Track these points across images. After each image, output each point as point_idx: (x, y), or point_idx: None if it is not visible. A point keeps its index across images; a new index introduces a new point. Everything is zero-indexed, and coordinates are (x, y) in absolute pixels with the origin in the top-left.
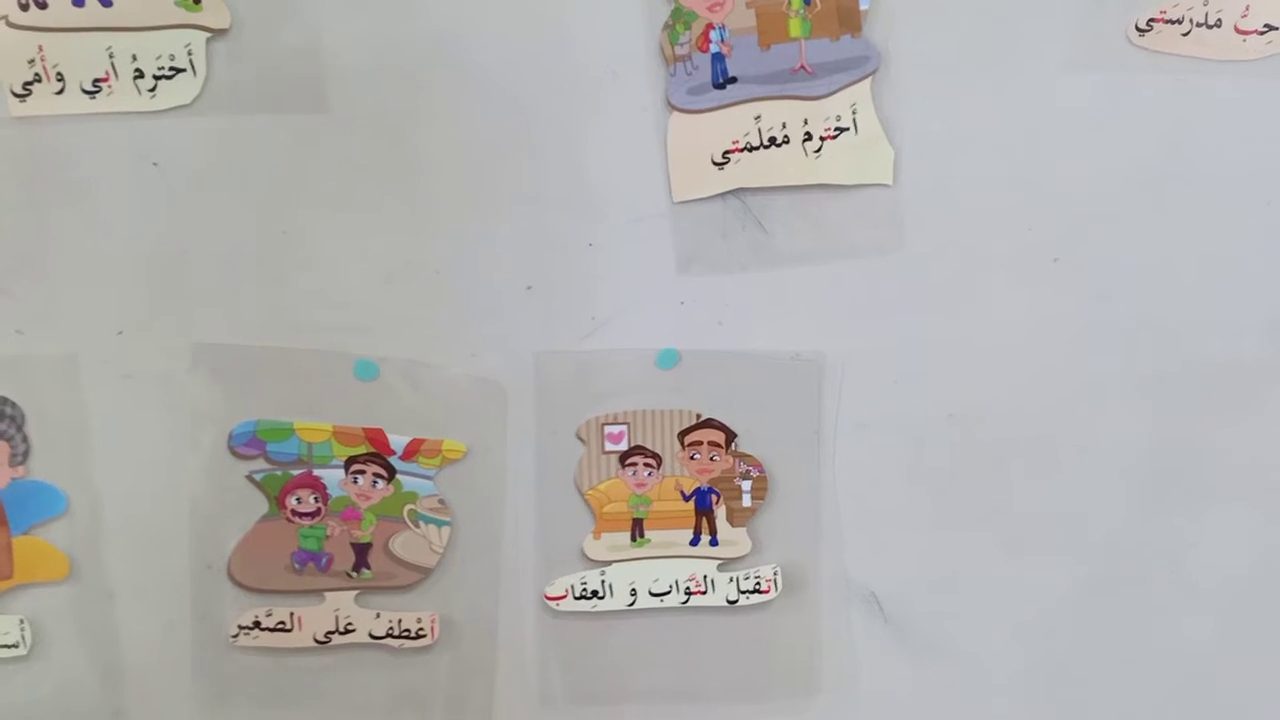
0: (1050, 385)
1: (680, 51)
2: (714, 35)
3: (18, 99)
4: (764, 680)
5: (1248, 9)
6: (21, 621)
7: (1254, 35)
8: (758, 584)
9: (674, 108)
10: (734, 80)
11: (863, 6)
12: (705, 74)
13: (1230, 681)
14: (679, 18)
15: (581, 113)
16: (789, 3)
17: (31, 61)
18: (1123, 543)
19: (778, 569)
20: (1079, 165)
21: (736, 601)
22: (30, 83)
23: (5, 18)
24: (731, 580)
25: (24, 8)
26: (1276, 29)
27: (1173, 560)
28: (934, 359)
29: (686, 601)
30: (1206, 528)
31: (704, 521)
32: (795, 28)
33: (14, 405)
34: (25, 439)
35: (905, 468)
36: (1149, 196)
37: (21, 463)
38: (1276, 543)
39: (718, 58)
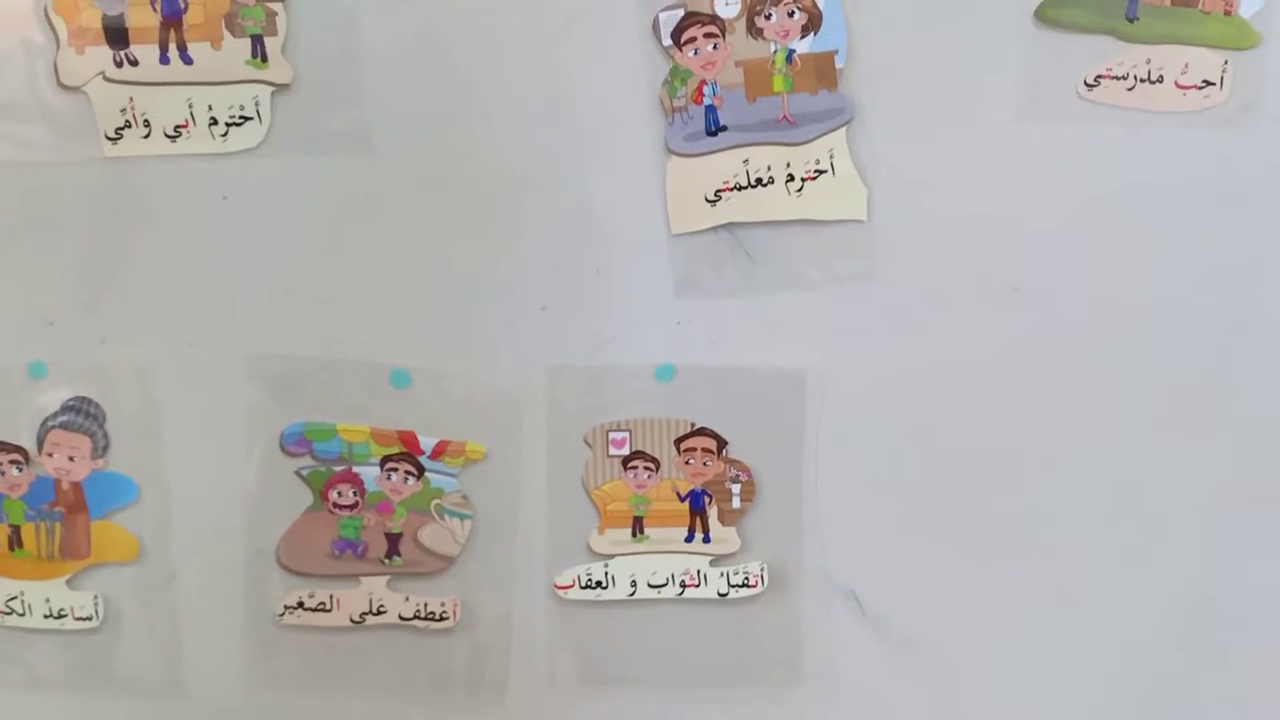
0: (1011, 401)
1: (677, 104)
2: (707, 90)
3: (111, 142)
4: (751, 668)
5: (1186, 66)
6: (95, 597)
7: (1193, 90)
8: (746, 579)
9: (672, 152)
10: (725, 129)
11: (838, 65)
12: (699, 123)
13: (1190, 678)
14: (676, 75)
15: (592, 156)
16: (773, 61)
17: (123, 110)
18: (1084, 548)
19: (764, 565)
20: (1035, 204)
21: (726, 595)
22: (121, 128)
23: (102, 73)
24: (722, 575)
25: (119, 65)
26: (1214, 84)
27: (1133, 565)
28: (905, 377)
29: (681, 593)
30: (1163, 535)
31: (697, 520)
32: (778, 83)
33: (97, 405)
34: (105, 435)
35: (881, 475)
36: (1100, 232)
37: (101, 456)
38: (1229, 551)
39: (710, 109)
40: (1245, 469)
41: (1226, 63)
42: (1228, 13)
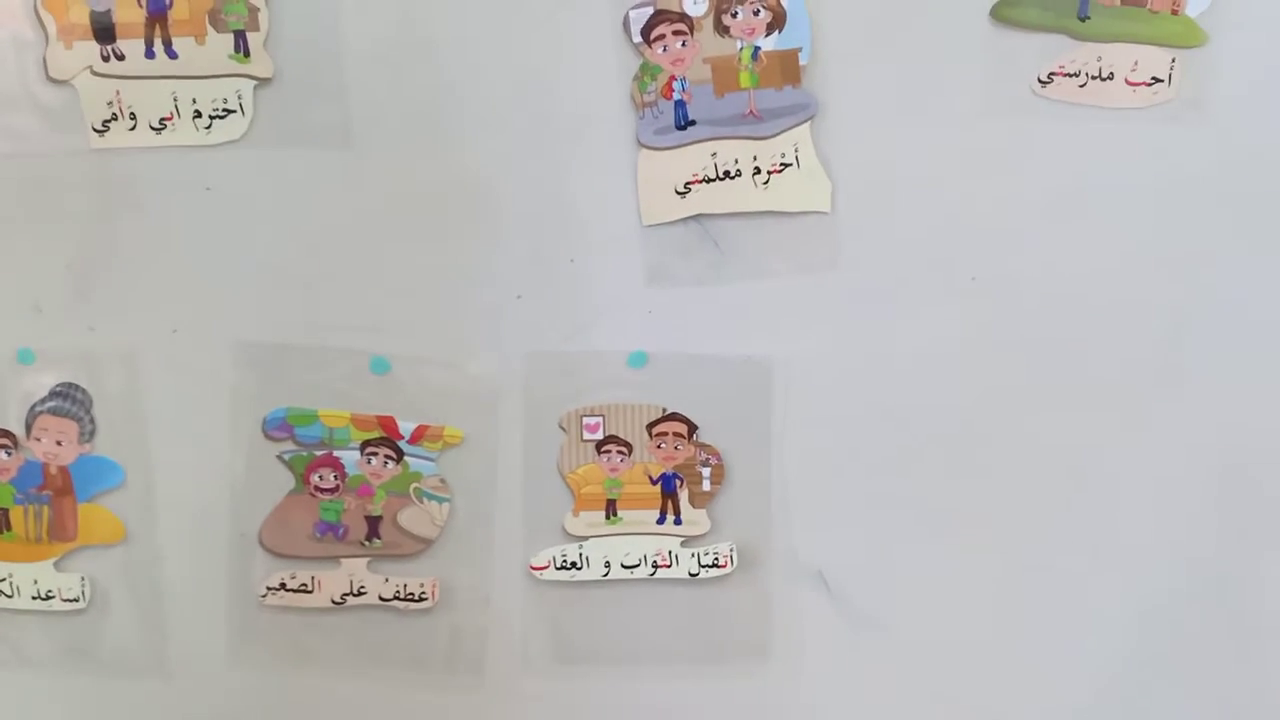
0: (968, 388)
1: (648, 99)
2: (676, 85)
3: (98, 134)
4: (721, 646)
5: (1136, 64)
6: (82, 579)
7: (1143, 87)
8: (716, 559)
9: (643, 146)
10: (693, 123)
11: (802, 62)
12: (669, 118)
13: (1143, 654)
14: (647, 71)
15: (566, 150)
16: (739, 59)
17: (110, 103)
18: (1043, 530)
19: (733, 546)
20: (991, 196)
21: (697, 575)
22: (108, 121)
23: (90, 67)
24: (693, 555)
25: (105, 59)
26: (1162, 81)
27: (1091, 546)
28: (867, 363)
29: (653, 574)
30: (1114, 518)
31: (669, 503)
32: (745, 79)
33: (84, 391)
34: (92, 420)
35: (845, 459)
36: (1053, 224)
37: (88, 440)
38: (1184, 534)
39: (679, 104)
40: (1198, 455)
41: (1174, 60)
42: (1175, 12)
